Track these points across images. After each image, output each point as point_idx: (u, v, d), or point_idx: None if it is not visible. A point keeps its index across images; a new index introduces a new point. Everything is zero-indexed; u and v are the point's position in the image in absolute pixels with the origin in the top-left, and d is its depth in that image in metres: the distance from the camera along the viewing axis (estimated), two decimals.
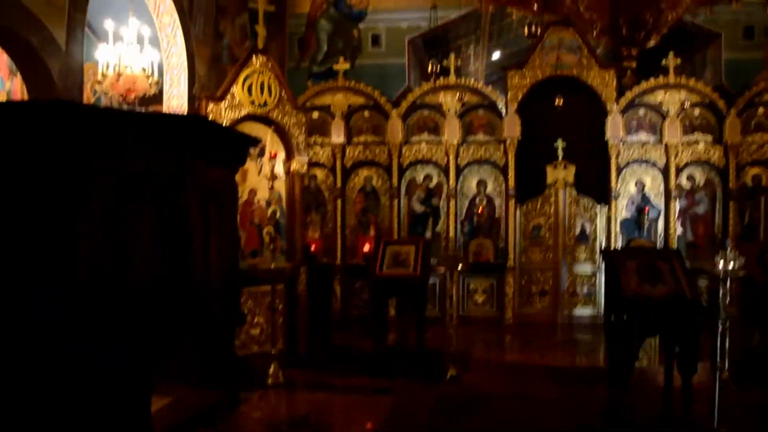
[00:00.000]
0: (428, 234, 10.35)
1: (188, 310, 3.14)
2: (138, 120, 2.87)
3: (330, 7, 11.44)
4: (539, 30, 6.64)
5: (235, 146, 4.02)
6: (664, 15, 4.93)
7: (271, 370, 6.74)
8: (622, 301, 4.63)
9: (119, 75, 6.62)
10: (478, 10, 6.20)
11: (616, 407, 5.08)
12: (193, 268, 3.43)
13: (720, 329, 4.58)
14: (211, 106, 7.91)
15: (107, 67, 6.64)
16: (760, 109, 10.00)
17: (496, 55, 14.03)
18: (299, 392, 6.60)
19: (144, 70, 6.92)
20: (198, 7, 8.82)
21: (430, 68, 9.22)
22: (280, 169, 8.35)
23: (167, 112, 8.02)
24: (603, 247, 9.79)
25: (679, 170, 10.06)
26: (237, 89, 8.16)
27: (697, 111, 10.03)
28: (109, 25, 6.77)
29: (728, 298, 6.80)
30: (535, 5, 5.86)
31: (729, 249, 7.25)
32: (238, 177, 8.04)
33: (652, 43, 5.14)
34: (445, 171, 10.32)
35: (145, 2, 7.93)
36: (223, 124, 7.94)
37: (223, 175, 3.93)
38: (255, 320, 7.87)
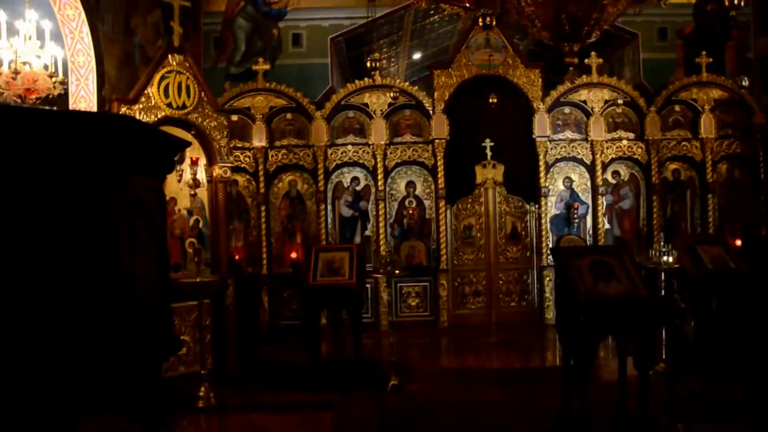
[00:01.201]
0: (357, 238, 10.06)
1: (113, 332, 2.89)
2: (53, 119, 2.46)
3: (248, 5, 10.94)
4: (494, 21, 6.46)
5: (164, 151, 3.59)
6: (606, 10, 4.84)
7: (202, 391, 6.29)
8: (578, 303, 4.49)
9: (16, 72, 5.94)
10: (411, 6, 5.93)
11: (569, 407, 4.95)
12: (120, 288, 3.10)
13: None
14: (123, 108, 7.34)
15: (0, 63, 5.95)
16: (677, 107, 10.31)
17: (417, 55, 13.91)
18: (233, 415, 6.17)
19: (46, 67, 6.27)
20: (106, 1, 8.18)
21: (369, 64, 8.89)
22: (202, 175, 7.86)
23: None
24: (535, 252, 9.83)
25: (604, 166, 10.22)
26: (152, 90, 7.63)
27: (619, 109, 10.22)
28: (1, 16, 6.06)
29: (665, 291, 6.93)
30: (468, 3, 5.69)
31: (661, 243, 7.41)
32: None
33: (593, 38, 5.05)
34: (373, 173, 10.06)
35: None
36: None
37: (152, 183, 3.51)
38: (181, 338, 7.34)
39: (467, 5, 5.93)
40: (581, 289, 4.42)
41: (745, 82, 9.83)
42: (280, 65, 10.73)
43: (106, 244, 2.83)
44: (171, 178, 7.71)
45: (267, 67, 10.25)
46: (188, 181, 7.54)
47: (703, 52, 10.23)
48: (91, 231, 2.73)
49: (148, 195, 3.34)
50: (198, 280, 6.98)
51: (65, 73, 7.27)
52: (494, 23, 6.83)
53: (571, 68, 5.52)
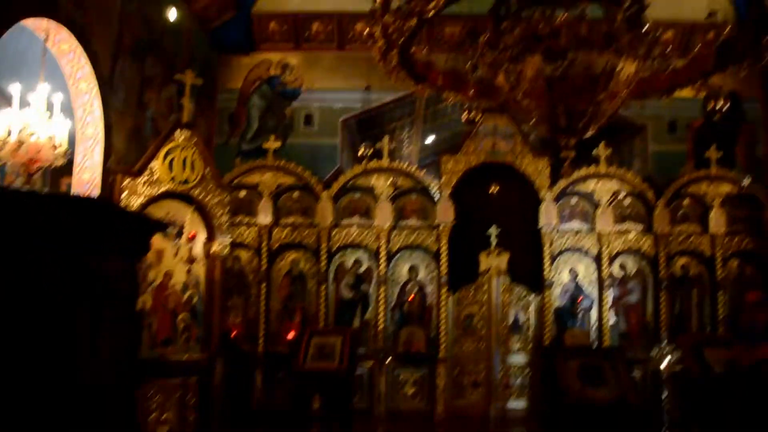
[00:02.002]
0: (357, 322, 9.83)
1: (68, 419, 2.74)
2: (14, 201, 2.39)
3: (263, 84, 11.23)
4: (479, 115, 6.49)
5: (139, 233, 3.53)
6: (603, 106, 4.81)
7: None
8: (564, 406, 4.25)
9: (21, 143, 6.03)
10: (414, 93, 5.98)
11: None
12: (76, 375, 2.97)
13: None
14: (127, 180, 7.39)
15: (9, 133, 6.05)
16: (686, 200, 10.17)
17: (429, 139, 14.04)
18: None
19: (51, 138, 6.37)
20: (121, 75, 8.38)
21: (361, 151, 9.00)
22: (199, 251, 7.81)
23: (74, 185, 7.41)
24: (540, 344, 9.52)
25: (611, 259, 10.00)
26: (157, 164, 7.69)
27: (627, 201, 10.10)
28: (16, 88, 6.23)
29: (666, 396, 6.60)
30: (472, 91, 5.71)
31: (664, 342, 7.16)
32: (152, 258, 7.44)
33: (590, 133, 5.00)
34: (376, 256, 9.94)
35: (61, 68, 7.44)
36: (139, 201, 7.41)
37: (123, 267, 3.43)
38: (163, 416, 7.12)
39: (470, 94, 5.92)
40: (568, 393, 4.20)
41: (746, 182, 9.71)
42: (291, 144, 10.87)
43: (64, 329, 2.74)
44: (168, 253, 7.68)
45: (278, 144, 10.36)
46: (183, 257, 7.47)
47: (713, 146, 10.18)
48: (50, 315, 2.65)
49: (118, 277, 3.26)
50: (185, 357, 6.82)
51: (72, 144, 7.37)
52: (478, 117, 6.84)
53: (566, 162, 5.45)
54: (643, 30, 4.65)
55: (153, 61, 9.24)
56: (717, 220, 9.98)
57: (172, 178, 7.78)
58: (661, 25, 9.97)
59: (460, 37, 9.92)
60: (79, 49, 7.41)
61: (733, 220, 10.07)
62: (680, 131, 11.09)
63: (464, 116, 6.34)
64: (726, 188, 10.07)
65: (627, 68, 4.69)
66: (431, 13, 4.21)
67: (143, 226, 3.60)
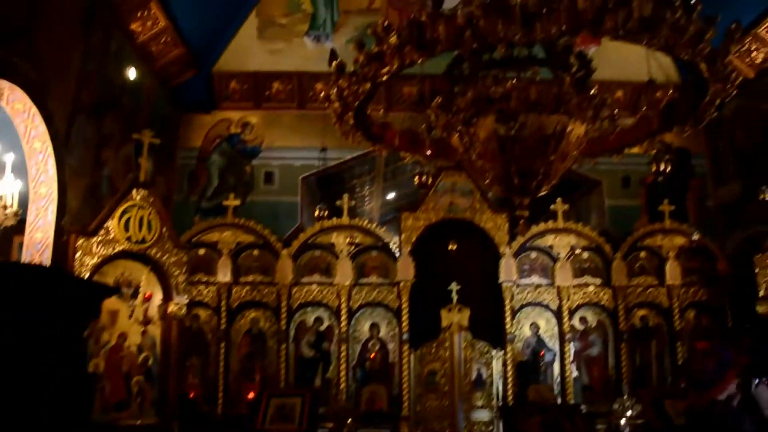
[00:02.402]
0: (318, 381, 9.69)
1: None
2: None
3: (223, 142, 11.22)
4: (430, 179, 6.57)
5: (89, 298, 3.47)
6: (554, 166, 4.92)
7: None
8: None
9: None
10: (376, 151, 6.05)
11: None
12: None
13: None
14: (80, 240, 7.26)
15: None
16: (642, 253, 10.38)
17: (390, 195, 14.14)
18: None
19: (2, 198, 6.25)
20: (77, 134, 8.27)
21: (317, 213, 9.04)
22: (155, 311, 7.64)
23: (26, 245, 7.22)
24: (501, 401, 9.45)
25: (571, 312, 10.11)
26: (113, 224, 7.59)
27: (585, 255, 10.29)
28: None
29: None
30: (428, 151, 5.79)
31: (626, 395, 7.18)
32: (106, 320, 7.24)
33: (543, 192, 5.10)
34: (337, 314, 9.87)
35: (15, 127, 7.33)
36: (93, 261, 7.26)
37: (69, 333, 3.35)
38: None
39: (427, 154, 6.00)
40: None
41: (696, 236, 9.97)
42: (250, 201, 10.84)
43: (13, 394, 2.66)
44: (123, 313, 7.52)
45: (237, 202, 10.33)
46: (139, 318, 7.31)
47: (666, 200, 10.46)
48: None
49: (68, 342, 3.19)
50: (139, 422, 6.60)
51: (25, 204, 7.24)
52: (429, 181, 6.94)
53: (521, 221, 5.53)
54: (591, 93, 4.80)
55: (111, 120, 9.16)
56: (672, 272, 10.20)
57: (128, 238, 7.67)
58: (611, 85, 10.49)
59: (417, 96, 10.16)
60: (34, 109, 7.30)
61: (688, 271, 10.32)
62: (634, 186, 11.38)
63: (416, 180, 6.41)
64: (680, 240, 10.33)
65: (577, 130, 4.82)
66: (385, 78, 4.29)
67: (93, 292, 3.54)
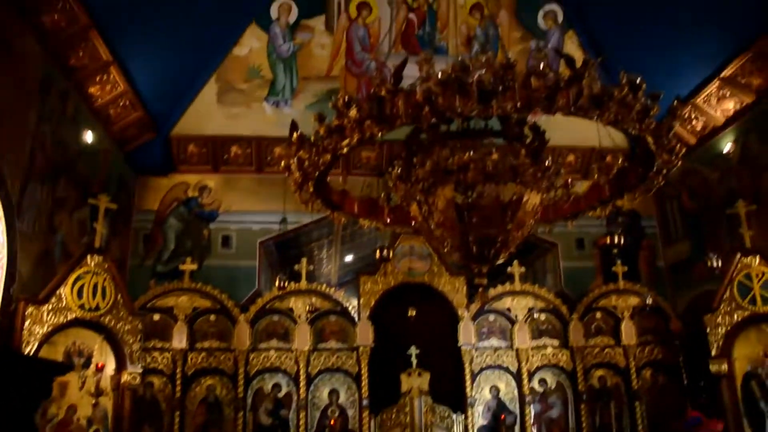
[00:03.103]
0: None
1: None
2: None
3: (181, 206, 11.10)
4: (390, 253, 6.64)
5: (38, 378, 3.35)
6: (512, 234, 5.03)
7: None
8: None
9: None
10: (333, 219, 6.11)
11: None
12: None
13: None
14: (30, 309, 7.05)
15: None
16: (598, 314, 10.54)
17: (349, 258, 14.14)
18: None
19: None
20: (30, 199, 8.06)
21: (278, 282, 8.97)
22: (107, 382, 7.40)
23: None
24: None
25: (531, 374, 10.14)
26: (65, 291, 7.42)
27: (543, 316, 10.40)
28: None
29: None
30: (387, 219, 5.87)
31: None
32: (55, 392, 6.95)
33: (501, 260, 5.19)
34: (296, 380, 9.71)
35: None
36: (44, 330, 7.03)
37: (18, 415, 3.22)
38: None
39: (386, 221, 6.08)
40: None
41: (649, 300, 10.21)
42: (207, 266, 10.67)
43: None
44: (73, 384, 7.26)
45: (194, 267, 10.20)
46: (90, 390, 7.05)
47: (618, 261, 10.70)
48: None
49: (15, 425, 3.06)
50: None
51: None
52: (391, 255, 7.02)
53: (480, 289, 5.60)
54: (546, 163, 4.96)
55: (66, 184, 8.99)
56: (628, 332, 10.35)
57: (82, 305, 7.49)
58: (563, 150, 10.85)
59: (376, 160, 10.33)
60: None
61: (643, 331, 10.49)
62: (588, 248, 11.62)
63: (377, 254, 6.46)
64: (634, 301, 10.52)
65: (532, 199, 4.96)
66: (345, 150, 4.37)
67: (44, 371, 3.43)
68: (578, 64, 4.09)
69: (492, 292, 10.27)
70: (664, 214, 11.62)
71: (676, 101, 4.71)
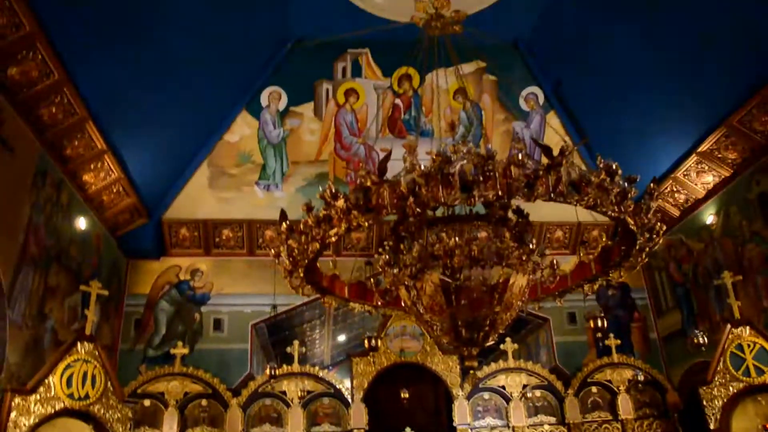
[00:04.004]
0: None
1: None
2: None
3: (172, 289, 11.12)
4: (378, 342, 6.68)
5: None
6: (500, 316, 5.09)
7: None
8: None
9: None
10: (324, 303, 6.18)
11: None
12: None
13: None
14: (17, 400, 6.94)
15: None
16: (594, 389, 10.47)
17: (341, 337, 14.05)
18: None
19: None
20: (22, 287, 8.07)
21: (268, 371, 8.94)
22: None
23: None
24: None
25: None
26: (54, 380, 7.34)
27: (538, 393, 10.31)
28: None
29: None
30: (378, 302, 5.93)
31: None
32: None
33: (490, 342, 5.23)
34: None
35: None
36: (31, 421, 6.91)
37: None
38: None
39: (377, 304, 6.14)
40: None
41: (641, 377, 10.17)
42: (199, 349, 10.61)
43: None
44: None
45: (185, 351, 10.15)
46: None
47: (611, 335, 10.71)
48: None
49: None
50: None
51: None
52: (379, 344, 7.07)
53: (471, 372, 5.62)
54: (531, 246, 5.07)
55: (58, 270, 9.03)
56: (625, 406, 10.29)
57: (71, 395, 7.39)
58: (550, 226, 11.02)
59: (366, 242, 10.45)
60: None
61: (640, 404, 10.42)
62: (580, 322, 11.63)
63: (366, 343, 6.50)
64: (629, 374, 10.50)
65: (519, 281, 5.05)
66: (333, 239, 4.48)
67: None
68: (557, 149, 4.27)
69: (486, 369, 10.24)
70: (653, 286, 11.71)
71: (652, 183, 4.87)
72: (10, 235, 7.76)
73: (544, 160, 4.33)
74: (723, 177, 9.66)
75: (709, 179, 9.91)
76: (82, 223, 9.28)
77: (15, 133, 7.33)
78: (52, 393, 7.26)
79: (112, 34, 7.51)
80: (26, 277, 8.19)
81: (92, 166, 9.23)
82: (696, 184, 10.12)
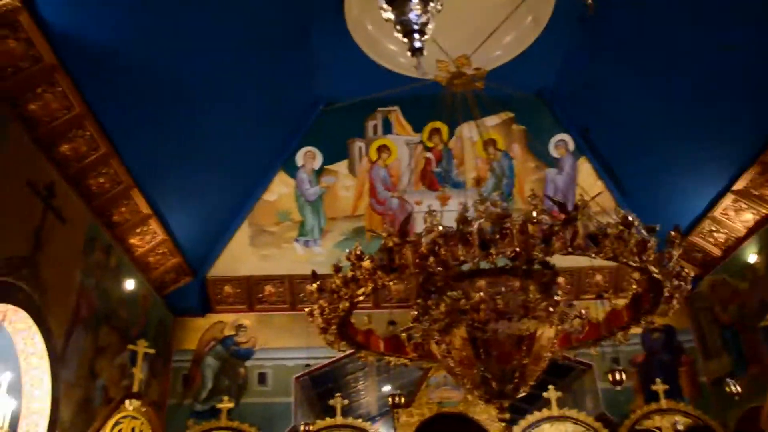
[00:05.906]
0: None
1: None
2: None
3: (218, 345, 11.41)
4: (403, 399, 6.77)
5: None
6: (529, 368, 5.14)
7: None
8: None
9: None
10: (361, 358, 6.33)
11: None
12: None
13: None
14: None
15: None
16: None
17: (386, 388, 14.05)
18: None
19: None
20: (74, 348, 8.44)
21: (302, 428, 9.07)
22: None
23: None
24: None
25: None
26: None
27: None
28: None
29: None
30: (411, 355, 6.05)
31: None
32: None
33: (521, 394, 5.27)
34: None
35: (14, 344, 7.55)
36: None
37: None
38: None
39: (410, 358, 6.26)
40: None
41: (680, 426, 9.91)
42: (244, 403, 10.80)
43: None
44: None
45: (231, 405, 10.35)
46: None
47: (658, 380, 10.48)
48: None
49: None
50: None
51: (16, 418, 7.25)
52: (403, 401, 7.15)
53: (504, 424, 5.65)
54: (556, 297, 5.14)
55: (107, 330, 9.39)
56: None
57: None
58: (588, 271, 10.96)
59: (405, 293, 10.57)
60: (35, 327, 7.58)
61: None
62: (624, 367, 11.36)
63: (390, 401, 6.60)
64: (679, 419, 10.19)
65: (547, 332, 5.11)
66: (361, 298, 4.66)
67: None
68: (594, 192, 4.39)
69: (530, 418, 10.14)
70: (699, 328, 11.43)
71: (674, 232, 4.91)
72: (63, 300, 8.17)
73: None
74: (762, 215, 9.54)
75: (749, 217, 9.78)
76: (130, 284, 9.67)
77: (67, 203, 7.80)
78: None
79: (153, 109, 8.00)
80: (78, 338, 8.56)
81: (138, 230, 9.67)
82: (735, 223, 9.99)
